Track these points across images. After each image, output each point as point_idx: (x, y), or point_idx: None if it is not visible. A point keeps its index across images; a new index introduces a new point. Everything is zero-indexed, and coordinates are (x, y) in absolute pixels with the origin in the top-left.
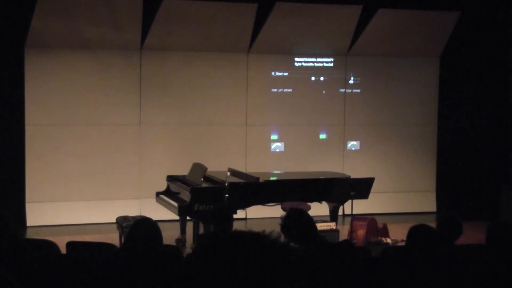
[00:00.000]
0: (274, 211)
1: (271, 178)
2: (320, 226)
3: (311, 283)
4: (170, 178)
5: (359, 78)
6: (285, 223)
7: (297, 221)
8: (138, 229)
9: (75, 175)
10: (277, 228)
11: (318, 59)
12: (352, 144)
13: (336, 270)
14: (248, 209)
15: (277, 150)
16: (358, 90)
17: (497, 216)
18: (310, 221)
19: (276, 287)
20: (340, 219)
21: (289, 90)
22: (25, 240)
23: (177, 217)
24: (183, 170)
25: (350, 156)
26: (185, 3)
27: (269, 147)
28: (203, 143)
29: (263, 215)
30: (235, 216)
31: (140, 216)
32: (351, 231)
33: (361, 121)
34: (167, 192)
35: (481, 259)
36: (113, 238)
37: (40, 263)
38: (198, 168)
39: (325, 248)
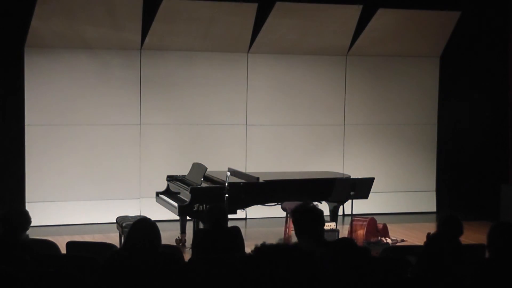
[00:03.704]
0: (274, 211)
1: (271, 178)
2: None
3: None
4: (170, 178)
5: (359, 78)
6: (300, 217)
7: (310, 217)
8: (136, 229)
9: (75, 175)
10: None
11: (318, 59)
12: (352, 144)
13: (338, 268)
14: (248, 209)
15: (277, 150)
16: (358, 90)
17: (497, 216)
18: (322, 217)
19: None
20: (340, 219)
21: (289, 90)
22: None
23: (177, 217)
24: (183, 170)
25: (350, 156)
26: (185, 3)
27: (269, 147)
28: (203, 143)
29: (263, 215)
30: (235, 216)
31: (139, 216)
32: (351, 231)
33: (361, 121)
34: (167, 192)
35: (481, 259)
36: (113, 238)
37: (40, 263)
38: (198, 168)
39: (326, 246)
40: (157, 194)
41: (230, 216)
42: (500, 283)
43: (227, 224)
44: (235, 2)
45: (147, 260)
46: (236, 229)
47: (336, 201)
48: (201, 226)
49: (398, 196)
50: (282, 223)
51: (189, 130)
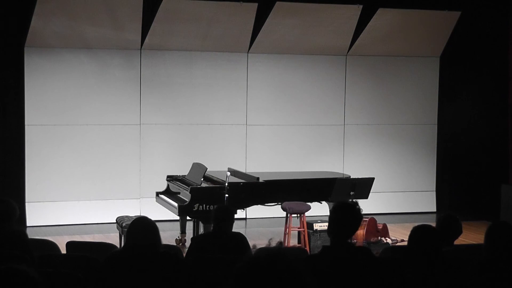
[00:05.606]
0: (274, 211)
1: (271, 178)
2: (320, 226)
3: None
4: (170, 178)
5: (359, 78)
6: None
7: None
8: (135, 229)
9: (75, 175)
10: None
11: (318, 59)
12: (352, 144)
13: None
14: (248, 209)
15: (277, 150)
16: (358, 90)
17: (497, 216)
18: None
19: None
20: None
21: (289, 89)
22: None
23: (177, 217)
24: (183, 170)
25: (350, 156)
26: (185, 2)
27: (269, 147)
28: (203, 143)
29: (263, 215)
30: (235, 216)
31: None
32: None
33: (361, 121)
34: (167, 192)
35: (481, 259)
36: (113, 238)
37: (40, 262)
38: (198, 168)
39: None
40: (157, 194)
41: None
42: (499, 283)
43: (231, 227)
44: (235, 2)
45: (147, 260)
46: (241, 236)
47: (336, 201)
48: (201, 226)
49: (398, 196)
50: (282, 223)
51: (189, 130)
